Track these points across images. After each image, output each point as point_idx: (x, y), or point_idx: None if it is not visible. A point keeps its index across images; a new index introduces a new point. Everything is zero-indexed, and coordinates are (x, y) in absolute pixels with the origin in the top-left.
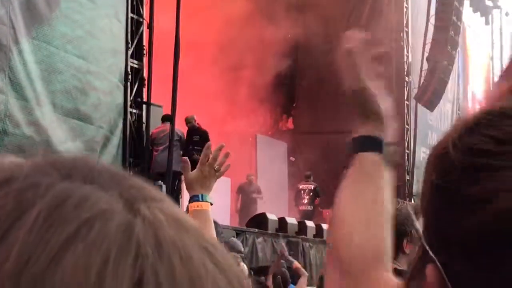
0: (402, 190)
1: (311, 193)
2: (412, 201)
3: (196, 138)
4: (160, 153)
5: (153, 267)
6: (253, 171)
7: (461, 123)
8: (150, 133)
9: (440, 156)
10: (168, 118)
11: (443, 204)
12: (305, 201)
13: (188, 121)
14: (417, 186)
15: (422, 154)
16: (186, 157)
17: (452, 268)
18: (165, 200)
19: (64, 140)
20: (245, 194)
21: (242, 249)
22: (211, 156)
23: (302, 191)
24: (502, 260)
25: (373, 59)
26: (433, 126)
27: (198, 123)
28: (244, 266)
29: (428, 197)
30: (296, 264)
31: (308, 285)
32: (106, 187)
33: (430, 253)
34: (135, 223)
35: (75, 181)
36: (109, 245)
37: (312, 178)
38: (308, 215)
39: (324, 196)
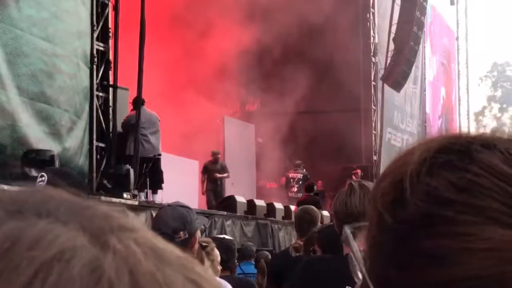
0: (369, 171)
1: (300, 182)
2: None
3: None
4: (151, 137)
5: None
6: (221, 153)
7: (420, 155)
8: (126, 116)
9: (392, 188)
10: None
11: (390, 245)
12: (295, 189)
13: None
14: (384, 167)
15: (388, 135)
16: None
17: None
18: (139, 229)
19: (30, 124)
20: (211, 173)
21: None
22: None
23: (292, 180)
24: None
25: None
26: (399, 107)
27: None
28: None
29: (374, 230)
30: None
31: None
32: (65, 221)
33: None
34: (104, 259)
35: (27, 217)
36: None
37: (302, 167)
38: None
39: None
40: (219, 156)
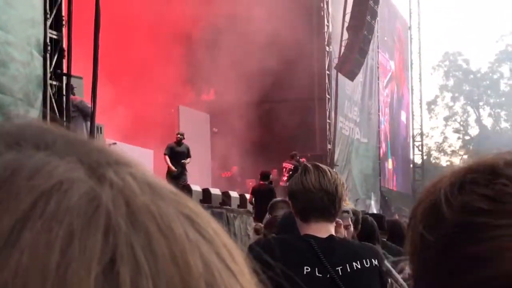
0: (324, 159)
1: (291, 172)
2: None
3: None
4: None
5: (127, 239)
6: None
7: (449, 178)
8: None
9: (429, 210)
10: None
11: (435, 259)
12: (285, 178)
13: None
14: (338, 156)
15: (339, 124)
16: None
17: None
18: (134, 164)
19: None
20: (175, 155)
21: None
22: None
23: (284, 169)
24: None
25: None
26: (349, 96)
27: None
28: None
29: (417, 248)
30: None
31: None
32: (63, 153)
33: None
34: (102, 190)
35: (25, 149)
36: (73, 219)
37: (296, 158)
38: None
39: (247, 165)
40: (183, 137)
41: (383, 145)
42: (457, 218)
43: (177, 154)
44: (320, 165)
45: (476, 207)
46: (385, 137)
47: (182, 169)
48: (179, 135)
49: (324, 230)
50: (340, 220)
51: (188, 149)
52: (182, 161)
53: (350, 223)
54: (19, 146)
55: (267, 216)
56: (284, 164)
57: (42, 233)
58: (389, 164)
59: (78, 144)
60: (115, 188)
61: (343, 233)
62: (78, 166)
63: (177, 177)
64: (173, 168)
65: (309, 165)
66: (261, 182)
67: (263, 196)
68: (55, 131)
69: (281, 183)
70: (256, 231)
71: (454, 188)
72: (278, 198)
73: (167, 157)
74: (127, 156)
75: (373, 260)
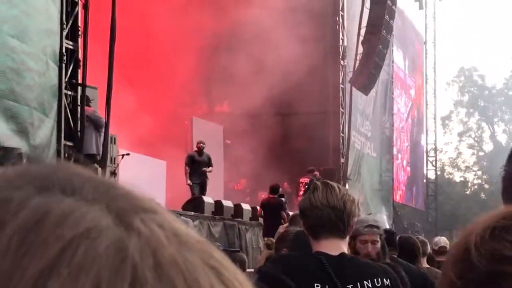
0: (337, 173)
1: (306, 186)
2: (347, 184)
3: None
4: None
5: None
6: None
7: (483, 223)
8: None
9: (461, 254)
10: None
11: None
12: (301, 192)
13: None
14: (351, 169)
15: (352, 138)
16: None
17: None
18: (161, 211)
19: None
20: (196, 164)
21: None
22: None
23: (300, 184)
24: None
25: None
26: (361, 110)
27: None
28: None
29: None
30: None
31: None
32: (90, 199)
33: None
34: (129, 241)
35: (53, 193)
36: (100, 269)
37: (313, 173)
38: None
39: (259, 178)
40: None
41: (398, 160)
42: (486, 265)
43: (198, 163)
44: (330, 182)
45: (505, 256)
46: (399, 151)
47: (204, 178)
48: (201, 144)
49: (335, 247)
50: (367, 236)
51: (209, 158)
52: (203, 168)
53: (378, 239)
54: (47, 190)
55: (280, 230)
56: (301, 179)
57: (68, 282)
58: (403, 179)
59: (106, 189)
60: (142, 238)
61: (369, 248)
62: (106, 212)
63: (201, 185)
64: (188, 181)
65: (318, 183)
66: (271, 196)
67: (272, 210)
68: (83, 174)
69: (298, 198)
70: (268, 246)
71: (486, 234)
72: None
73: (187, 168)
74: (153, 203)
75: (384, 280)
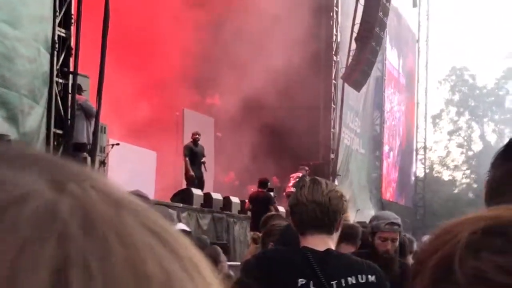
0: (326, 169)
1: (297, 178)
2: (336, 180)
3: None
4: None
5: (81, 247)
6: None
7: (466, 234)
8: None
9: (441, 268)
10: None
11: None
12: (290, 184)
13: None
14: (340, 165)
15: (342, 134)
16: None
17: None
18: (98, 177)
19: None
20: (194, 156)
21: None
22: None
23: (291, 178)
24: None
25: None
26: (352, 106)
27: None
28: None
29: None
30: None
31: (231, 261)
32: (26, 168)
33: None
34: (61, 201)
35: None
36: (27, 229)
37: (305, 168)
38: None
39: (248, 171)
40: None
41: (389, 158)
42: (469, 286)
43: (196, 154)
44: (318, 178)
45: (490, 279)
46: (391, 149)
47: (201, 171)
48: (197, 136)
49: (322, 242)
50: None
51: (203, 149)
52: (203, 159)
53: (398, 237)
54: None
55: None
56: (293, 173)
57: None
58: (393, 177)
59: (42, 158)
60: (74, 198)
61: (388, 245)
62: (41, 180)
63: (199, 178)
64: (191, 173)
65: (305, 180)
66: (259, 190)
67: (260, 204)
68: (18, 146)
69: (287, 189)
70: (254, 240)
71: (469, 252)
72: (273, 213)
73: (187, 160)
74: (93, 171)
75: (369, 276)
